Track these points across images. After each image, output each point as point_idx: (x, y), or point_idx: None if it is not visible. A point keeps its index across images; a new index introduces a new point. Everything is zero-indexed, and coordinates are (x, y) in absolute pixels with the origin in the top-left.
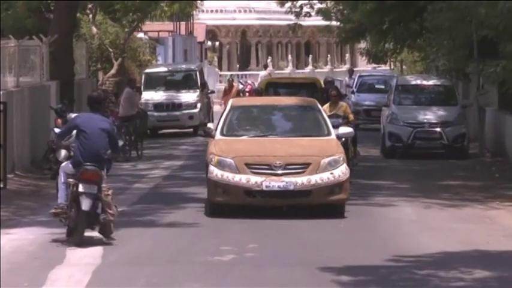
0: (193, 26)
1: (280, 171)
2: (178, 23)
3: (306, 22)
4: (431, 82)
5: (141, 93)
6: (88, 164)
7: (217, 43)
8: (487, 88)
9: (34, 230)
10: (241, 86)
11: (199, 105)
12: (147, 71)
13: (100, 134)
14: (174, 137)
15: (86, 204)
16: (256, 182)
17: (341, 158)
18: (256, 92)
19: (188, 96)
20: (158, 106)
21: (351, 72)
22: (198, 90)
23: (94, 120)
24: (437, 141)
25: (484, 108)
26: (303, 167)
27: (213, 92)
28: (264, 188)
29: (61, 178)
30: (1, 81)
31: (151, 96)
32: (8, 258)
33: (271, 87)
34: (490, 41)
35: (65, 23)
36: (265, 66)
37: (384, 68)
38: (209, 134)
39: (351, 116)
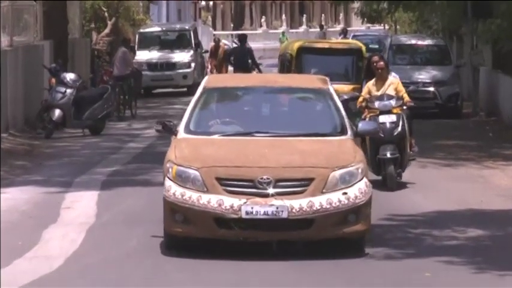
0: None
1: (268, 191)
2: None
3: None
4: (425, 42)
5: (135, 53)
6: None
7: (211, 2)
8: (481, 48)
9: (28, 189)
10: (234, 45)
11: (193, 64)
12: (141, 30)
13: None
14: (168, 96)
15: None
16: (232, 207)
17: (359, 170)
18: (281, 60)
19: (182, 56)
20: (152, 66)
21: (344, 32)
22: (192, 50)
23: None
24: (431, 100)
25: (478, 67)
26: (303, 183)
27: (206, 51)
28: (244, 216)
29: None
30: None
31: (146, 55)
32: (2, 218)
33: (305, 53)
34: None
35: None
36: (321, 27)
37: (378, 27)
38: (169, 129)
39: (406, 96)
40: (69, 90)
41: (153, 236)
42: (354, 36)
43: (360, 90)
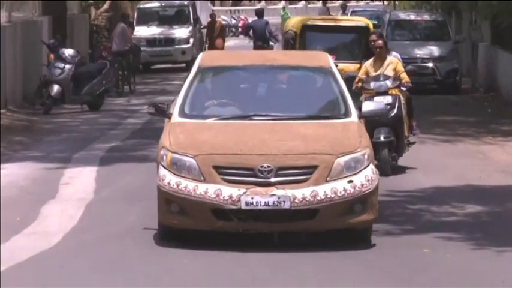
0: None
1: (269, 179)
2: None
3: None
4: (424, 18)
5: (133, 29)
6: None
7: None
8: (480, 23)
9: (27, 165)
10: (233, 21)
11: (191, 40)
12: (140, 6)
13: None
14: (167, 72)
15: None
16: (231, 197)
17: (365, 156)
18: (284, 38)
19: (181, 32)
20: (151, 41)
21: (344, 7)
22: (190, 26)
23: None
24: (430, 76)
25: (477, 43)
26: (306, 171)
27: (205, 27)
28: (244, 206)
29: None
30: None
31: (144, 31)
32: (3, 194)
33: (309, 31)
34: None
35: None
36: (324, 2)
37: (377, 3)
38: (162, 112)
39: (406, 76)
40: (67, 66)
41: (153, 213)
42: (353, 12)
43: None
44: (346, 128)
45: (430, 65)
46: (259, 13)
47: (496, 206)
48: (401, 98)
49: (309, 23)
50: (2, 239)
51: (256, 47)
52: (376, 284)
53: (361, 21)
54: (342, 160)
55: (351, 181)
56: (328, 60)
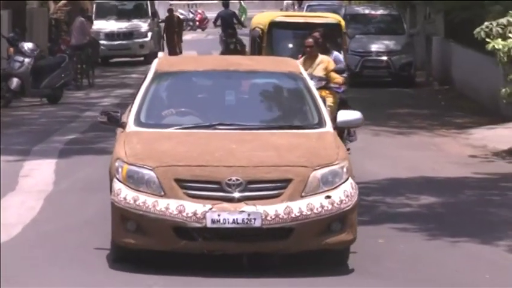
0: None
1: (237, 194)
2: None
3: None
4: (378, 12)
5: (92, 23)
6: None
7: None
8: (434, 17)
9: None
10: (191, 15)
11: (150, 34)
12: (98, 1)
13: None
14: (125, 65)
15: None
16: (195, 214)
17: (344, 169)
18: (251, 35)
19: (139, 25)
20: (109, 35)
21: (300, 1)
22: (148, 20)
23: None
24: (385, 69)
25: (431, 37)
26: (279, 185)
27: (163, 21)
28: (210, 224)
29: None
30: None
31: (103, 25)
32: None
33: (277, 28)
34: None
35: None
36: None
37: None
38: (115, 121)
39: (338, 78)
40: (27, 60)
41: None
42: (309, 6)
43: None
44: (322, 139)
45: (385, 58)
46: (226, 4)
47: (449, 197)
48: (329, 100)
49: (277, 19)
50: None
51: (227, 35)
52: (330, 274)
53: (332, 17)
54: (319, 173)
55: (328, 197)
56: (298, 65)
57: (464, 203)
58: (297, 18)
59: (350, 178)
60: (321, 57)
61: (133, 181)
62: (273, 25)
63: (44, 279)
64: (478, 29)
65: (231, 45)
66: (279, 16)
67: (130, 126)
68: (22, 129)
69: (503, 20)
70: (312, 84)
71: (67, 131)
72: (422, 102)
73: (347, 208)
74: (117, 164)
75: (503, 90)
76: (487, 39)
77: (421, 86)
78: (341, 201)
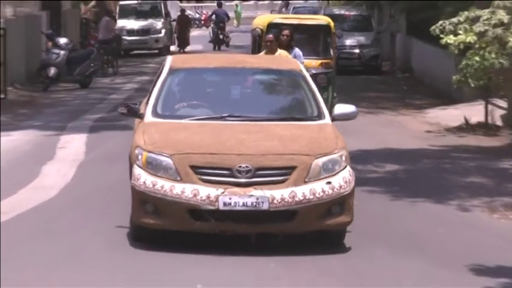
0: None
1: (247, 180)
2: None
3: None
4: (352, 12)
5: (116, 21)
6: None
7: None
8: (397, 17)
9: (29, 133)
10: (197, 15)
11: (163, 30)
12: (121, 3)
13: None
14: (143, 56)
15: None
16: (208, 197)
17: (343, 157)
18: (252, 35)
19: (154, 24)
20: (130, 31)
21: (286, 4)
22: (162, 19)
23: None
24: (357, 60)
25: (395, 33)
26: (284, 172)
27: (174, 20)
28: (221, 207)
29: None
30: (1, 11)
31: (125, 23)
32: (8, 156)
33: (274, 28)
34: None
35: None
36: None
37: (314, 1)
38: (135, 113)
39: None
40: (62, 52)
41: None
42: (294, 8)
43: (328, 64)
44: (322, 130)
45: (357, 51)
46: (220, 4)
47: (410, 165)
48: None
49: (274, 21)
50: (11, 192)
51: (218, 27)
52: (308, 240)
53: (322, 19)
54: (320, 161)
55: (329, 182)
56: (298, 63)
57: (422, 170)
58: (292, 20)
59: (348, 166)
60: (280, 51)
61: (152, 167)
62: (271, 26)
63: (74, 237)
64: (433, 27)
65: (220, 36)
66: (276, 18)
67: (148, 117)
68: (59, 109)
69: (454, 20)
70: (311, 80)
71: (95, 111)
72: (387, 87)
73: (346, 193)
74: (137, 151)
75: (454, 77)
76: (441, 35)
77: (387, 74)
78: (340, 186)
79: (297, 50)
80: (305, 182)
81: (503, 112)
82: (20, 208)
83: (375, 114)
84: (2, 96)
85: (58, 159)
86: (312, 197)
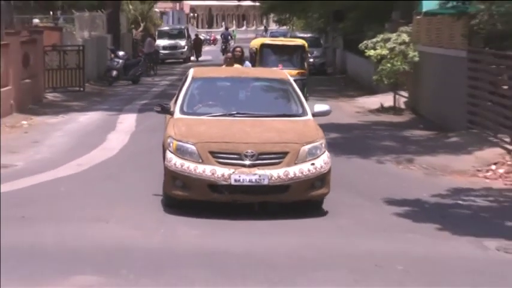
0: (183, 4)
1: (252, 162)
2: (175, 3)
3: (243, 3)
4: (308, 35)
5: (155, 40)
6: None
7: (195, 14)
8: (337, 37)
9: (99, 113)
10: (208, 37)
11: (186, 47)
12: (159, 29)
13: None
14: (172, 64)
15: None
16: (223, 175)
17: (322, 145)
18: (249, 52)
19: (180, 42)
20: (165, 47)
21: (265, 29)
22: (185, 39)
23: None
24: (312, 66)
25: (336, 48)
26: (280, 156)
27: (193, 40)
28: (233, 183)
29: None
30: (80, 35)
31: (161, 42)
32: (86, 128)
33: (265, 48)
34: (339, 12)
35: (113, 4)
36: (265, 28)
37: (284, 27)
38: (167, 111)
39: None
40: (121, 61)
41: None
42: (271, 33)
43: (302, 75)
44: (307, 124)
45: (311, 60)
46: (226, 28)
47: (345, 134)
48: None
49: (265, 42)
50: (86, 151)
51: (225, 43)
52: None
53: (300, 41)
54: (307, 148)
55: (313, 164)
56: (286, 74)
57: (353, 137)
58: (278, 41)
59: (326, 151)
60: (236, 65)
61: (180, 152)
62: (263, 46)
63: (128, 182)
64: (360, 44)
65: (225, 47)
66: (266, 40)
67: (177, 114)
68: (118, 97)
69: (374, 40)
70: (296, 86)
71: (142, 98)
72: (331, 84)
73: (325, 171)
74: (168, 140)
75: (374, 77)
76: (365, 50)
77: (330, 75)
78: (321, 166)
79: (247, 63)
80: (295, 164)
81: (405, 99)
82: (93, 162)
83: (323, 101)
84: (82, 89)
85: (118, 130)
86: (300, 175)
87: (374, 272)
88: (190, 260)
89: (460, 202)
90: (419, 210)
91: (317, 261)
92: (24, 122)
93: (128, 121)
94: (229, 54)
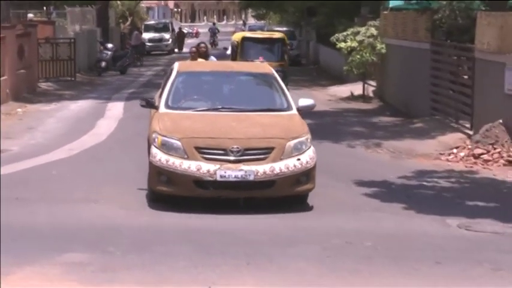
0: (167, 1)
1: (237, 158)
2: None
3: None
4: (283, 28)
5: (142, 34)
6: None
7: (179, 9)
8: (311, 31)
9: (89, 101)
10: (190, 31)
11: (170, 40)
12: (145, 23)
13: None
14: (158, 56)
15: None
16: (208, 171)
17: (308, 140)
18: (231, 45)
19: (165, 35)
20: (151, 40)
21: (244, 24)
22: (170, 32)
23: None
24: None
25: (309, 41)
26: (266, 152)
27: (177, 33)
28: (219, 178)
29: None
30: (72, 28)
31: (147, 35)
32: (77, 115)
33: (246, 41)
34: (311, 8)
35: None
36: (244, 22)
37: (262, 21)
38: (152, 105)
39: None
40: (109, 52)
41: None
42: (250, 27)
43: (282, 66)
44: (292, 119)
45: None
46: (213, 24)
47: (318, 120)
48: None
49: (246, 35)
50: (77, 137)
51: (213, 36)
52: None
53: (279, 34)
54: (292, 143)
55: (299, 159)
56: (270, 68)
57: (326, 123)
58: (258, 34)
59: (311, 146)
60: (199, 59)
61: (166, 147)
62: (244, 39)
63: (116, 164)
64: (332, 37)
65: (214, 42)
66: (247, 34)
67: (162, 109)
68: (107, 86)
69: (345, 33)
70: (281, 81)
71: (129, 88)
72: (305, 74)
73: (310, 167)
74: (153, 135)
75: (345, 67)
76: (337, 42)
77: (304, 66)
78: (307, 162)
79: (212, 57)
80: (281, 159)
81: (373, 88)
82: (84, 146)
83: (298, 89)
84: (73, 79)
85: (106, 117)
86: (286, 170)
87: (345, 248)
88: (174, 237)
89: (424, 183)
90: (386, 191)
91: (292, 238)
92: (19, 110)
93: (116, 108)
94: (194, 49)
